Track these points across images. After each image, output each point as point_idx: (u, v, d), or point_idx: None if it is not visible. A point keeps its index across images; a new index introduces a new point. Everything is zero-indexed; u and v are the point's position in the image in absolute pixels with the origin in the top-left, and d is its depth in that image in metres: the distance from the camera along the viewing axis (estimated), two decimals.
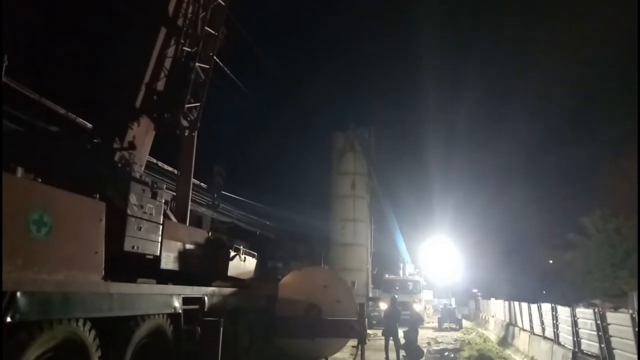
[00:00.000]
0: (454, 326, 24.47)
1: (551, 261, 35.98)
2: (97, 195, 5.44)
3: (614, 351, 7.80)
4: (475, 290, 39.20)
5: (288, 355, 10.82)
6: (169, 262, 6.98)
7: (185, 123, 8.73)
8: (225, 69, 14.05)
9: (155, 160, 14.60)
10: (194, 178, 9.59)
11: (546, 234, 35.87)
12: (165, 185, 7.30)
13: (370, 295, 26.20)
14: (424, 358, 12.97)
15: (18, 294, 3.89)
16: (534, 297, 20.87)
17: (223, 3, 9.29)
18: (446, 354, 14.48)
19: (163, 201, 6.88)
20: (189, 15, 8.66)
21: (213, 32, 9.12)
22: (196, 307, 7.21)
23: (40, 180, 4.68)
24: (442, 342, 17.69)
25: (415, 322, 14.74)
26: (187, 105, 8.41)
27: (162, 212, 6.83)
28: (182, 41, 8.48)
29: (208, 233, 9.05)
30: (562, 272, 30.60)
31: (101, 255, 5.20)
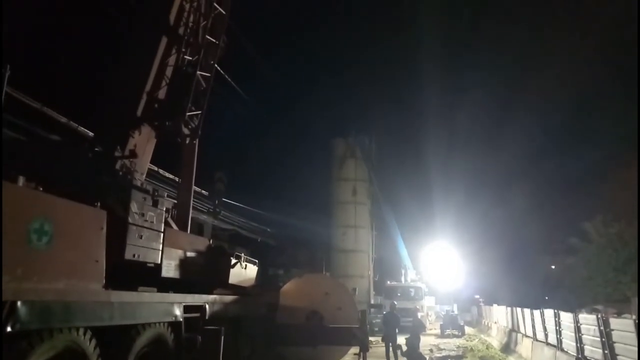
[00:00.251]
0: (456, 333, 24.35)
1: (553, 267, 35.86)
2: (98, 204, 5.45)
3: (618, 357, 7.75)
4: (477, 297, 39.04)
5: None
6: (170, 270, 6.97)
7: (186, 131, 8.75)
8: (227, 76, 14.11)
9: (156, 168, 14.62)
10: (195, 185, 9.60)
11: (548, 239, 35.80)
12: (166, 193, 7.31)
13: (372, 302, 26.11)
14: None
15: (18, 303, 3.89)
16: (536, 303, 20.75)
17: (224, 12, 9.35)
18: None
19: (164, 209, 6.88)
20: (190, 24, 8.72)
21: (214, 40, 9.17)
22: (197, 315, 7.20)
23: (41, 189, 4.70)
24: (444, 348, 17.60)
25: (417, 329, 14.66)
26: (188, 113, 8.43)
27: (163, 220, 6.83)
28: (184, 50, 8.53)
29: (209, 241, 9.05)
30: (564, 277, 30.48)
31: (102, 263, 5.19)
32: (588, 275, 26.49)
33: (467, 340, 21.10)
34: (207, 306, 7.51)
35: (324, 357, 10.87)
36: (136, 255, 6.10)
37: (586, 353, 9.17)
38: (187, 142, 8.99)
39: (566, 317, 10.61)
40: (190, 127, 8.79)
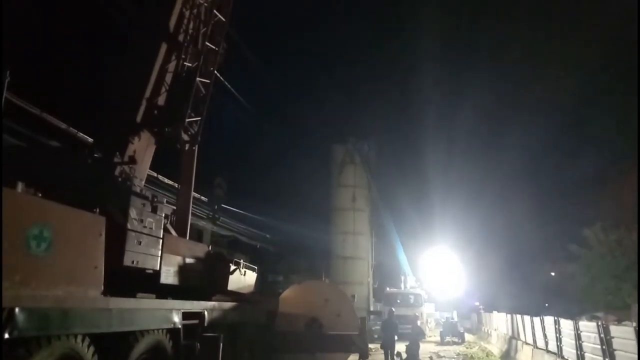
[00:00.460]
0: (456, 340, 24.26)
1: (553, 273, 35.77)
2: (97, 210, 5.44)
3: None
4: (477, 303, 38.91)
5: None
6: (168, 276, 6.94)
7: (185, 137, 8.77)
8: (226, 83, 14.15)
9: (155, 174, 14.62)
10: (194, 191, 9.59)
11: (547, 246, 35.72)
12: (165, 199, 7.30)
13: (372, 308, 26.02)
14: None
15: (16, 310, 3.87)
16: (536, 310, 20.68)
17: (223, 19, 9.39)
18: None
19: (163, 215, 6.87)
20: (190, 31, 8.76)
21: (214, 47, 9.20)
22: (196, 322, 7.16)
23: (40, 195, 4.69)
24: (444, 356, 17.53)
25: (416, 336, 14.62)
26: (187, 120, 8.45)
27: (162, 226, 6.81)
28: (183, 56, 8.56)
29: (208, 247, 9.03)
30: (565, 284, 30.40)
31: (101, 270, 5.17)
32: (588, 282, 26.42)
33: (467, 348, 21.02)
34: (206, 313, 7.47)
35: None
36: (135, 262, 6.08)
37: None
38: (187, 148, 9.01)
39: (566, 325, 10.58)
40: (189, 133, 8.81)
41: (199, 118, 8.84)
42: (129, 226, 5.99)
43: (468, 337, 26.51)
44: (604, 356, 8.11)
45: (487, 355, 17.70)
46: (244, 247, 26.64)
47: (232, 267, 8.96)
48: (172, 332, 6.45)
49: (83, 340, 4.68)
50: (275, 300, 11.24)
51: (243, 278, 9.49)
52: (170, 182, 15.10)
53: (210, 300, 7.89)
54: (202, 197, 19.48)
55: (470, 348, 20.82)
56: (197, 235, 19.95)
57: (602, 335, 8.21)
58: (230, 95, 16.57)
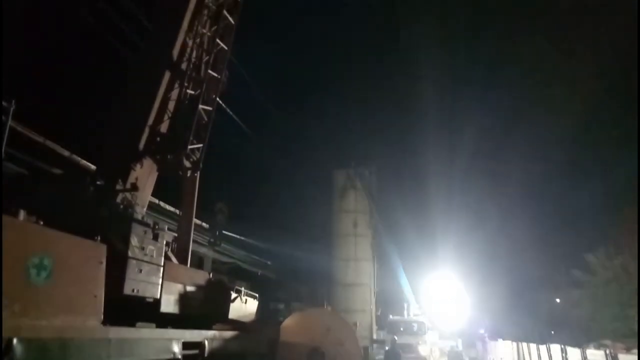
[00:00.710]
0: None
1: (558, 300, 35.28)
2: (99, 237, 5.41)
3: None
4: (482, 331, 38.23)
5: None
6: (169, 305, 6.84)
7: (187, 164, 8.79)
8: (228, 110, 14.29)
9: (157, 201, 14.61)
10: (195, 218, 9.56)
11: (551, 271, 35.34)
12: (167, 226, 7.27)
13: (375, 337, 25.56)
14: None
15: (14, 340, 3.80)
16: (542, 338, 20.30)
17: (226, 47, 9.56)
18: None
19: (164, 242, 6.82)
20: (193, 60, 8.90)
21: (216, 75, 9.33)
22: (196, 352, 7.02)
23: (42, 223, 4.67)
24: None
25: None
26: (190, 147, 8.49)
27: (163, 254, 6.76)
28: (186, 84, 8.67)
29: (209, 274, 8.93)
30: (570, 311, 29.93)
31: (100, 299, 5.10)
32: (594, 309, 26.02)
33: None
34: (206, 342, 7.33)
35: None
36: (135, 290, 6.00)
37: None
38: (189, 175, 9.02)
39: (574, 353, 10.38)
40: (191, 160, 8.83)
41: (201, 145, 8.89)
42: (129, 254, 5.94)
43: None
44: None
45: None
46: (245, 274, 26.36)
47: (233, 295, 8.84)
48: None
49: None
50: (277, 329, 11.05)
51: (244, 306, 9.36)
52: (172, 209, 15.06)
53: (210, 329, 7.76)
54: (204, 224, 19.39)
55: None
56: (198, 262, 19.78)
57: None
58: (232, 121, 16.71)
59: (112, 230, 5.88)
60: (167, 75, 8.27)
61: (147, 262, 6.27)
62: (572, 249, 30.87)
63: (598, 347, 16.05)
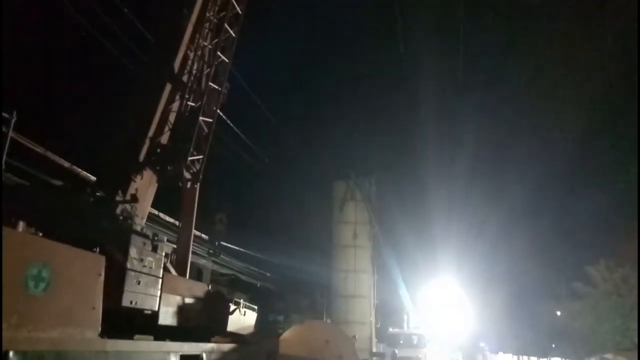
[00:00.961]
0: None
1: (559, 312, 35.08)
2: (97, 249, 5.40)
3: None
4: (482, 344, 37.93)
5: None
6: (167, 317, 6.82)
7: (187, 175, 8.82)
8: (229, 121, 14.36)
9: (156, 212, 14.60)
10: (194, 229, 9.56)
11: (551, 283, 35.20)
12: (166, 238, 7.27)
13: (374, 350, 25.35)
14: None
15: (10, 353, 3.78)
16: (543, 351, 20.15)
17: (227, 60, 9.64)
18: None
19: (163, 254, 6.82)
20: (194, 72, 8.97)
21: (217, 87, 9.40)
22: None
23: (41, 234, 4.67)
24: None
25: None
26: (190, 158, 8.53)
27: (162, 266, 6.75)
28: (187, 96, 8.73)
29: (208, 286, 8.90)
30: (571, 324, 29.75)
31: (98, 310, 5.09)
32: (595, 321, 25.86)
33: None
34: (204, 355, 7.27)
35: None
36: (134, 302, 5.98)
37: None
38: (189, 186, 9.04)
39: None
40: (191, 171, 8.86)
41: (201, 156, 8.93)
42: (128, 265, 5.93)
43: None
44: None
45: None
46: (244, 286, 26.27)
47: (232, 307, 8.81)
48: None
49: None
50: (276, 342, 10.97)
51: (243, 318, 9.31)
52: (171, 220, 15.05)
53: (209, 341, 7.70)
54: (203, 235, 19.38)
55: None
56: (197, 274, 19.73)
57: None
58: (232, 132, 16.79)
59: (111, 242, 5.88)
60: (168, 87, 8.34)
61: (145, 273, 6.25)
62: (573, 261, 30.79)
63: None
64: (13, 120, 5.35)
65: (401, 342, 24.95)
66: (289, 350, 10.69)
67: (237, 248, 23.03)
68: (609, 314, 25.07)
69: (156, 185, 8.23)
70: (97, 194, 6.90)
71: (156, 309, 6.52)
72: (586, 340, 26.68)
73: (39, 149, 10.94)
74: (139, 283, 6.09)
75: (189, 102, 8.75)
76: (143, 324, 6.27)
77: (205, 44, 9.23)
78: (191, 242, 9.13)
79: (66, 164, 11.67)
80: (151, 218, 12.98)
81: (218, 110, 9.65)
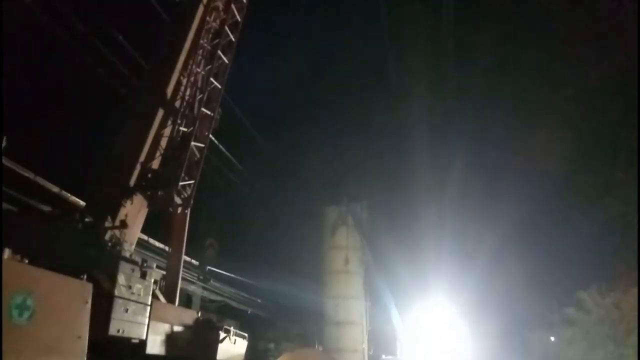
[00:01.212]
0: None
1: (552, 338, 34.82)
2: (85, 276, 5.30)
3: None
4: None
5: None
6: (155, 346, 6.66)
7: (178, 200, 8.75)
8: (221, 146, 14.38)
9: (146, 237, 14.41)
10: (184, 255, 9.43)
11: (544, 309, 35.01)
12: (155, 264, 7.16)
13: None
14: None
15: None
16: None
17: (219, 86, 9.71)
18: None
19: (152, 281, 6.71)
20: (187, 98, 9.02)
21: (209, 112, 9.44)
22: None
23: (27, 261, 4.58)
24: None
25: None
26: (181, 183, 8.49)
27: (151, 293, 6.64)
28: (179, 121, 8.75)
29: (197, 313, 8.74)
30: (565, 350, 29.52)
31: (84, 340, 4.96)
32: (588, 347, 25.71)
33: None
34: None
35: None
36: (121, 331, 5.85)
37: None
38: (179, 211, 8.97)
39: None
40: (182, 196, 8.80)
41: (192, 182, 8.89)
42: (116, 293, 5.83)
43: None
44: None
45: None
46: (234, 313, 25.81)
47: (222, 335, 8.63)
48: None
49: None
50: None
51: (233, 347, 9.12)
52: (161, 246, 14.85)
53: None
54: (193, 261, 19.14)
55: None
56: (187, 301, 19.39)
57: None
58: (223, 158, 16.78)
59: (99, 269, 5.78)
60: (160, 112, 8.36)
61: (134, 301, 6.14)
62: (565, 287, 30.73)
63: None
64: (2, 145, 5.32)
65: None
66: None
67: (227, 274, 22.74)
68: (602, 340, 24.96)
69: (146, 210, 8.15)
70: (86, 219, 6.81)
71: (144, 337, 6.38)
72: None
73: (29, 174, 10.82)
74: (126, 311, 5.97)
75: (181, 128, 8.76)
76: (130, 353, 6.12)
77: (199, 70, 9.32)
78: (181, 268, 9.00)
79: (55, 189, 11.53)
80: (140, 244, 12.81)
81: (210, 136, 9.68)
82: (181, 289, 9.06)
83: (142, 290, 6.33)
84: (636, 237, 22.28)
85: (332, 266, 26.85)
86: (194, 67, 9.15)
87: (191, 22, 9.19)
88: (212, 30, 9.68)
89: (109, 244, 6.69)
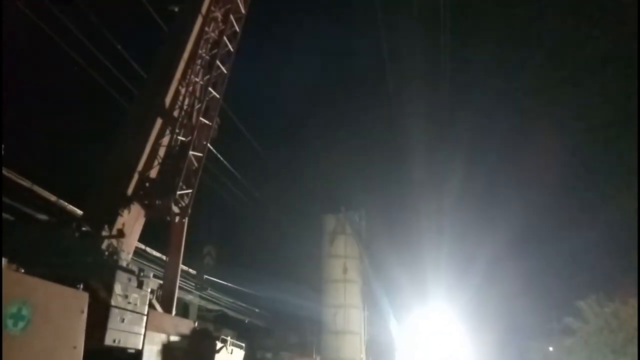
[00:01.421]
0: None
1: (551, 348, 34.66)
2: (81, 285, 5.28)
3: None
4: None
5: None
6: (151, 356, 6.61)
7: (176, 209, 8.75)
8: (219, 155, 14.40)
9: (143, 246, 14.39)
10: (182, 264, 9.41)
11: (543, 319, 34.91)
12: (152, 273, 7.13)
13: None
14: None
15: None
16: None
17: (218, 96, 9.75)
18: None
19: (149, 290, 6.68)
20: (185, 107, 9.06)
21: (207, 122, 9.47)
22: None
23: (23, 270, 4.57)
24: None
25: None
26: (179, 192, 8.49)
27: (148, 302, 6.61)
28: (177, 131, 8.77)
29: (194, 323, 8.69)
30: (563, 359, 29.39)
31: (80, 350, 4.92)
32: (588, 357, 25.60)
33: None
34: None
35: None
36: (117, 341, 5.82)
37: None
38: (177, 220, 8.96)
39: None
40: (180, 205, 8.80)
41: (190, 191, 8.89)
42: (112, 302, 5.80)
43: None
44: None
45: None
46: (231, 322, 25.67)
47: (219, 345, 8.57)
48: None
49: None
50: None
51: (230, 357, 9.05)
52: (158, 255, 14.82)
53: None
54: (190, 270, 19.08)
55: None
56: (183, 310, 19.29)
57: None
58: (221, 166, 16.80)
59: (96, 278, 5.77)
60: (158, 122, 8.39)
61: (130, 310, 6.11)
62: (564, 296, 30.67)
63: None
64: (1, 155, 5.33)
65: None
66: None
67: (224, 283, 22.65)
68: (601, 349, 24.86)
69: (144, 219, 8.14)
70: (83, 228, 6.80)
71: (140, 347, 6.34)
72: None
73: (26, 183, 10.83)
74: (123, 320, 5.94)
75: (179, 137, 8.79)
76: None
77: (197, 80, 9.36)
78: (178, 277, 8.97)
79: (52, 198, 11.53)
80: (138, 252, 12.78)
81: (208, 145, 9.70)
82: (178, 299, 9.03)
83: (138, 299, 6.31)
84: (635, 245, 22.28)
85: (330, 275, 26.75)
86: (192, 76, 9.20)
87: (190, 32, 9.25)
88: (210, 41, 9.74)
89: (106, 253, 6.67)
